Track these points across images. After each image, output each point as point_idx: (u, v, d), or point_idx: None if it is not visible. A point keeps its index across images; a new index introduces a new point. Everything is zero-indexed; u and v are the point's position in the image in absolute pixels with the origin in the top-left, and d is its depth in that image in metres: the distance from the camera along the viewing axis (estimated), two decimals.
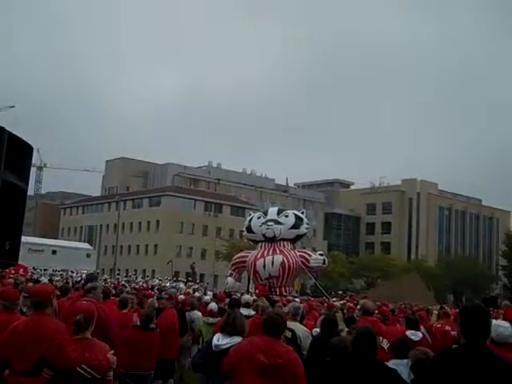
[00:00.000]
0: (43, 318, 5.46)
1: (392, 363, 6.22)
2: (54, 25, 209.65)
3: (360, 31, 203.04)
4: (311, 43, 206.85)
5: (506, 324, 6.44)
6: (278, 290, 30.07)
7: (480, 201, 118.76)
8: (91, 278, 11.33)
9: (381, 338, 7.99)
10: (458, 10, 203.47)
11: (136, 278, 44.17)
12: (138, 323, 8.83)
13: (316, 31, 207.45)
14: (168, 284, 32.98)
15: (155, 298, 12.75)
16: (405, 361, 6.48)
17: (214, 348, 6.78)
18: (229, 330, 6.80)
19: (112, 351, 5.32)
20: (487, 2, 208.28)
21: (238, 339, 6.58)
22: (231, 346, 6.17)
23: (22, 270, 27.20)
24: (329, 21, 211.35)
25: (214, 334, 7.24)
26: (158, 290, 22.60)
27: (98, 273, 46.63)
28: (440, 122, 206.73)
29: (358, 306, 11.82)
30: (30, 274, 29.13)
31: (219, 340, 6.78)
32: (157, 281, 37.31)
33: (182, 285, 29.89)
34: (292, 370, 5.37)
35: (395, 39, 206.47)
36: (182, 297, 15.25)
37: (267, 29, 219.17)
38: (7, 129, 4.01)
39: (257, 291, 26.58)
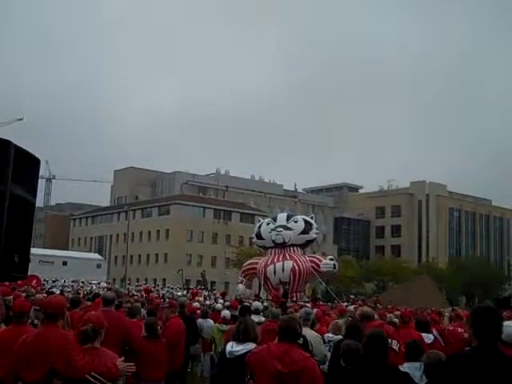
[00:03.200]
0: (53, 330, 5.50)
1: (406, 366, 6.19)
2: (59, 40, 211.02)
3: (359, 36, 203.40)
4: (312, 46, 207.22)
5: None
6: (289, 295, 30.10)
7: (490, 201, 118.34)
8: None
9: (389, 340, 7.95)
10: (457, 10, 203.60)
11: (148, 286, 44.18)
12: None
13: (316, 36, 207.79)
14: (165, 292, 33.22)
15: None
16: (417, 364, 6.44)
17: (228, 355, 6.76)
18: (241, 337, 6.80)
19: (121, 358, 5.33)
20: (486, 2, 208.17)
21: (251, 346, 6.58)
22: (246, 353, 6.16)
23: (34, 282, 27.39)
24: (328, 25, 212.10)
25: (226, 343, 7.23)
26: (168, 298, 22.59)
27: (108, 282, 46.73)
28: (446, 123, 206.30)
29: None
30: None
31: (233, 347, 6.77)
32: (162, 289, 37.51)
33: (179, 293, 29.66)
34: (308, 377, 5.33)
35: (395, 41, 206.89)
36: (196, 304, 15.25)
37: (267, 34, 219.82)
38: (14, 142, 4.04)
39: (270, 297, 26.62)
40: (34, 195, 4.43)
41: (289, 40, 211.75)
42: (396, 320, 10.91)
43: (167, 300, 18.09)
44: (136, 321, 9.20)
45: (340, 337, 8.59)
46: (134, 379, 8.17)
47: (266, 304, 17.15)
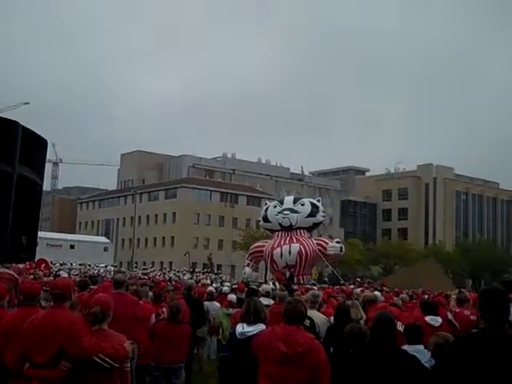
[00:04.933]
0: (61, 311, 5.51)
1: (405, 348, 6.18)
2: (66, 27, 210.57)
3: (360, 17, 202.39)
4: (312, 28, 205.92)
5: None
6: (295, 278, 30.14)
7: (497, 184, 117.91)
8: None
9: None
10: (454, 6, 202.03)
11: (154, 270, 44.41)
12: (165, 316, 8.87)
13: (316, 14, 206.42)
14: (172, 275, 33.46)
15: None
16: (418, 346, 6.41)
17: (238, 336, 6.75)
18: (251, 318, 6.76)
19: (129, 341, 5.35)
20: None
21: (262, 326, 6.57)
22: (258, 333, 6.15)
23: (43, 266, 27.49)
24: (329, 6, 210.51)
25: (234, 326, 7.23)
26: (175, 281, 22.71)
27: (115, 265, 46.92)
28: (453, 105, 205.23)
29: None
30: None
31: (244, 328, 6.75)
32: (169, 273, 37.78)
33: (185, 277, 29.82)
34: (313, 358, 5.32)
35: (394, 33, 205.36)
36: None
37: (267, 17, 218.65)
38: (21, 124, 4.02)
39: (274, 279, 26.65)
40: (42, 177, 4.42)
41: (290, 22, 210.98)
42: (400, 302, 10.90)
43: (173, 282, 18.16)
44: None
45: None
46: (154, 360, 8.31)
47: (272, 287, 17.19)
